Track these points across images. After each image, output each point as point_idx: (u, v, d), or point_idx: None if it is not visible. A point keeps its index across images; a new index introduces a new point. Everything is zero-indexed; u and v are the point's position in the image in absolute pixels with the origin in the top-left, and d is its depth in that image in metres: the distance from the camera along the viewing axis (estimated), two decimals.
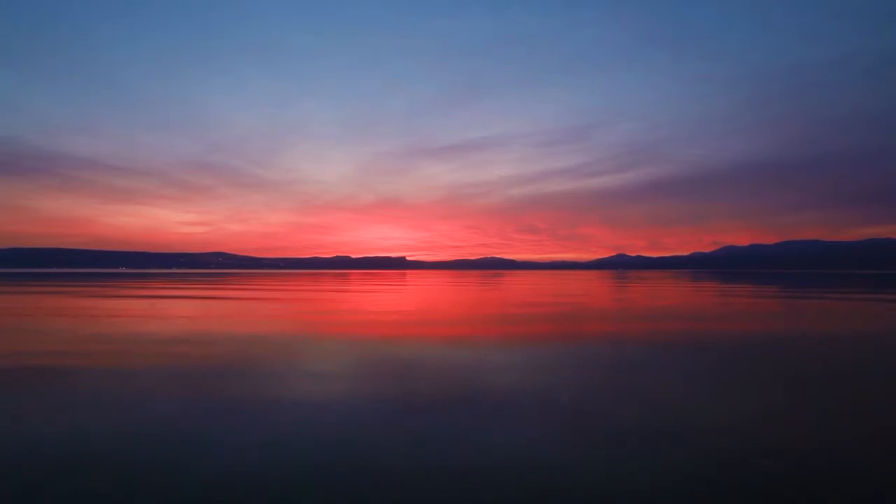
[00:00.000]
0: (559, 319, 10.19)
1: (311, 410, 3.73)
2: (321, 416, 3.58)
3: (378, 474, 2.63)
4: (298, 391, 4.31)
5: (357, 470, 2.68)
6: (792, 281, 38.44)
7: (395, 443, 3.07)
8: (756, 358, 5.87)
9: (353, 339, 7.32)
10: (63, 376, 4.88)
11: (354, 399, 4.06)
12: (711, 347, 6.67)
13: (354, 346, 6.67)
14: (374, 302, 15.29)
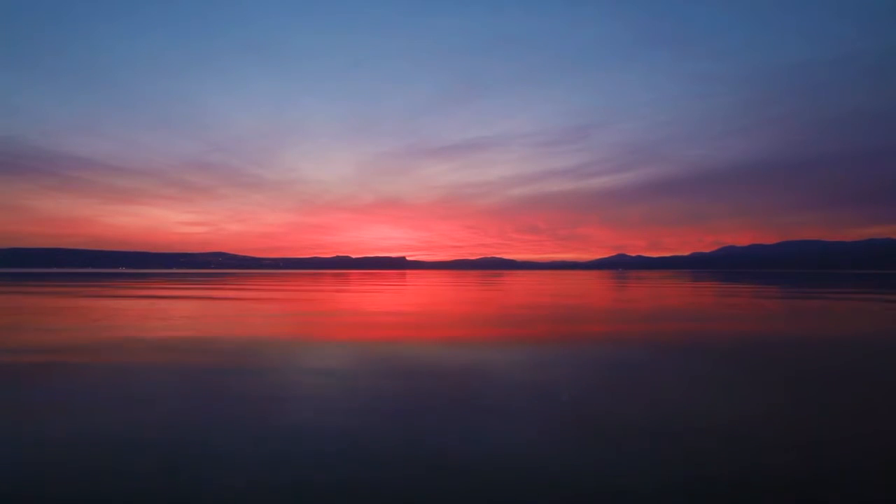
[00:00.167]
0: (559, 320, 10.18)
1: (311, 409, 3.73)
2: (321, 414, 3.58)
3: (378, 474, 2.63)
4: (299, 391, 4.30)
5: (357, 469, 2.68)
6: (792, 281, 38.43)
7: (396, 441, 3.07)
8: (756, 358, 5.86)
9: (352, 340, 7.31)
10: (59, 377, 4.87)
11: (354, 399, 4.05)
12: (711, 347, 6.67)
13: (354, 347, 6.66)
14: (375, 302, 15.28)
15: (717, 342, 7.12)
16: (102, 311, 11.54)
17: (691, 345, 6.87)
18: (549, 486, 2.50)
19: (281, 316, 10.86)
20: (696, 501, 2.37)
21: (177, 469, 2.68)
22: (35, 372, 5.08)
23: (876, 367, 5.46)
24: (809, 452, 2.93)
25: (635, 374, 4.96)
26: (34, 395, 4.21)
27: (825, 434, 3.24)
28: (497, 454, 2.89)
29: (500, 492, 2.45)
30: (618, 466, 2.73)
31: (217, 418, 3.53)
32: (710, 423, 3.45)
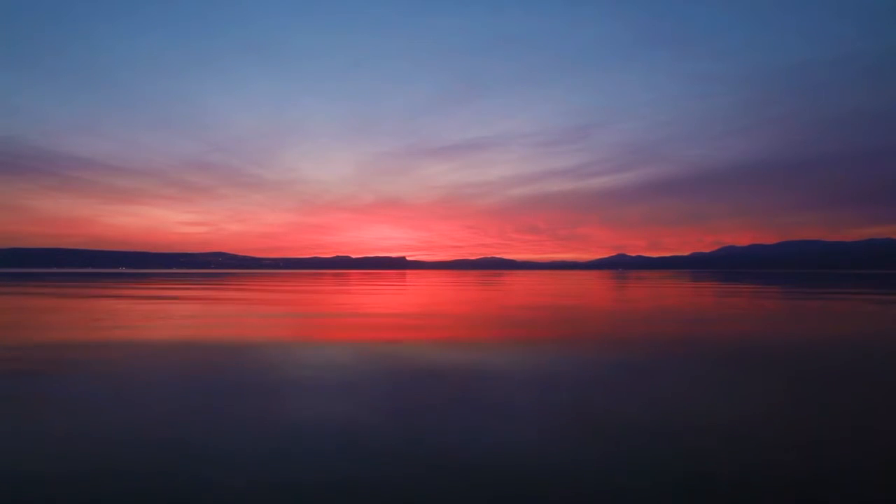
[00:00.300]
0: (559, 320, 10.18)
1: (311, 409, 3.73)
2: (321, 414, 3.58)
3: (378, 473, 2.63)
4: (299, 391, 4.30)
5: (358, 467, 2.68)
6: (792, 281, 38.44)
7: (396, 440, 3.07)
8: (756, 358, 5.86)
9: (352, 340, 7.32)
10: (58, 377, 4.88)
11: (354, 398, 4.05)
12: (711, 347, 6.67)
13: (354, 347, 6.66)
14: (374, 303, 15.29)
15: (717, 342, 7.12)
16: (102, 311, 11.54)
17: (691, 345, 6.87)
18: (549, 486, 2.50)
19: (281, 316, 10.87)
20: (696, 500, 2.37)
21: (176, 469, 2.68)
22: (35, 372, 5.08)
23: (876, 367, 5.46)
24: (809, 452, 2.93)
25: (635, 374, 4.96)
26: (33, 395, 4.21)
27: (825, 434, 3.24)
28: (497, 453, 2.89)
29: (500, 491, 2.45)
30: (618, 465, 2.73)
31: (217, 418, 3.53)
32: (710, 422, 3.45)
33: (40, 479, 2.57)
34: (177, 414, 3.63)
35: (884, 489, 2.49)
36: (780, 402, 3.99)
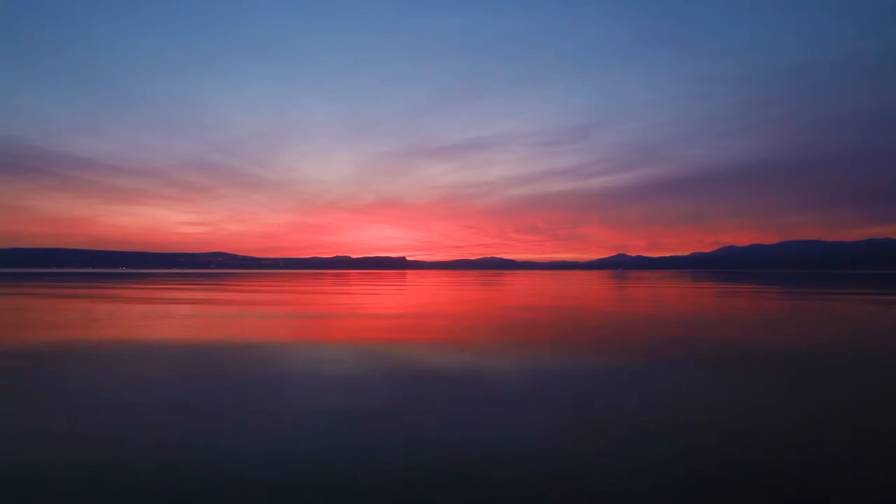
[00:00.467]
0: (559, 320, 10.18)
1: (311, 409, 3.73)
2: (321, 414, 3.58)
3: (378, 473, 2.63)
4: (299, 391, 4.30)
5: (358, 467, 2.68)
6: (792, 281, 38.44)
7: (396, 440, 3.07)
8: (756, 358, 5.87)
9: (352, 340, 7.32)
10: (58, 376, 4.88)
11: (354, 398, 4.06)
12: (712, 347, 6.67)
13: (354, 347, 6.67)
14: (374, 303, 15.28)
15: (717, 342, 7.12)
16: (102, 311, 11.54)
17: (691, 345, 6.87)
18: (549, 485, 2.50)
19: (280, 317, 10.86)
20: (696, 499, 2.37)
21: (176, 468, 2.68)
22: (35, 372, 5.08)
23: (876, 367, 5.46)
24: (809, 451, 2.93)
25: (635, 374, 4.96)
26: (33, 395, 4.21)
27: (825, 433, 3.25)
28: (497, 452, 2.90)
29: (500, 490, 2.45)
30: (618, 464, 2.73)
31: (217, 417, 3.54)
32: (710, 421, 3.45)
33: (40, 479, 2.57)
34: (176, 414, 3.63)
35: (884, 489, 2.50)
36: (780, 401, 3.99)
